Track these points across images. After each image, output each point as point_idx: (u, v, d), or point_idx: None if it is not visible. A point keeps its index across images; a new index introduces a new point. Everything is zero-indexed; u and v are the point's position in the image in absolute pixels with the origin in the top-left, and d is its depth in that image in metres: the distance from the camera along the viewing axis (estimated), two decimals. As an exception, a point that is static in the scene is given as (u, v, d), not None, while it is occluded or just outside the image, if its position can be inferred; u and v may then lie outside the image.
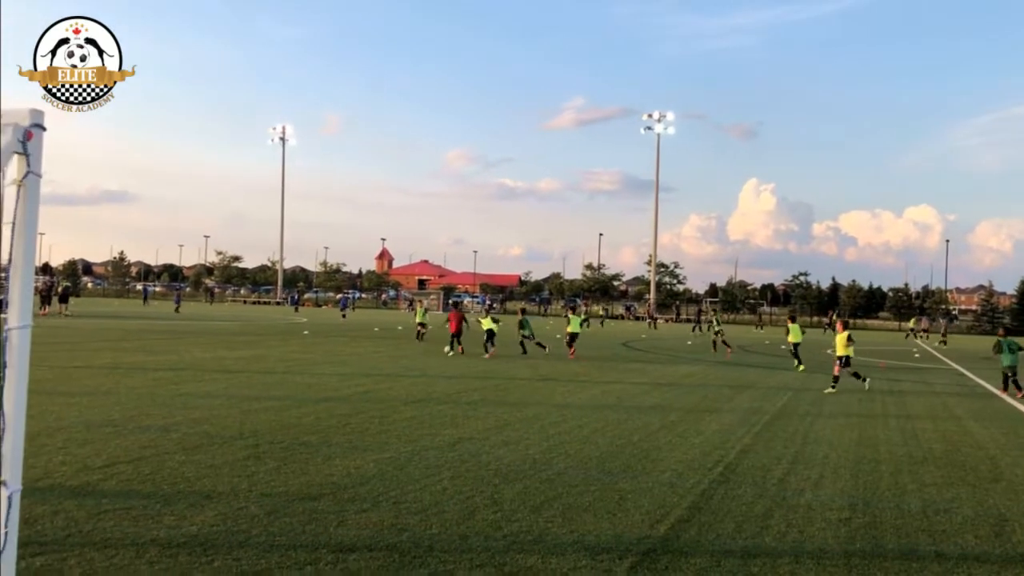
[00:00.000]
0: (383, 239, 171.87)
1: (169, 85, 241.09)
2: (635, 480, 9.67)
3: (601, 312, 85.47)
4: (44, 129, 3.32)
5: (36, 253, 3.32)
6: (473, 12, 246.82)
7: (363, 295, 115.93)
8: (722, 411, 16.16)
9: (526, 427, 13.20)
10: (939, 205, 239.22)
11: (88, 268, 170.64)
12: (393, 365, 23.42)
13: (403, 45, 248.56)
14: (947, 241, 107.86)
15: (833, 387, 20.68)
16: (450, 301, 63.78)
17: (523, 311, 34.33)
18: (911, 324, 69.43)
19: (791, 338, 28.36)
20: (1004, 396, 20.96)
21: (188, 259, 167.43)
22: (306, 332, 38.63)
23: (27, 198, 3.29)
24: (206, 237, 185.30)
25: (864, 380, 21.45)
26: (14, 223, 3.27)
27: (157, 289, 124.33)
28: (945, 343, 55.73)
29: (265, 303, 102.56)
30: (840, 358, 21.12)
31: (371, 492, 8.59)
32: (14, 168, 3.28)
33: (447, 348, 28.84)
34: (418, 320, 35.92)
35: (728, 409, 16.51)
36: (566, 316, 36.33)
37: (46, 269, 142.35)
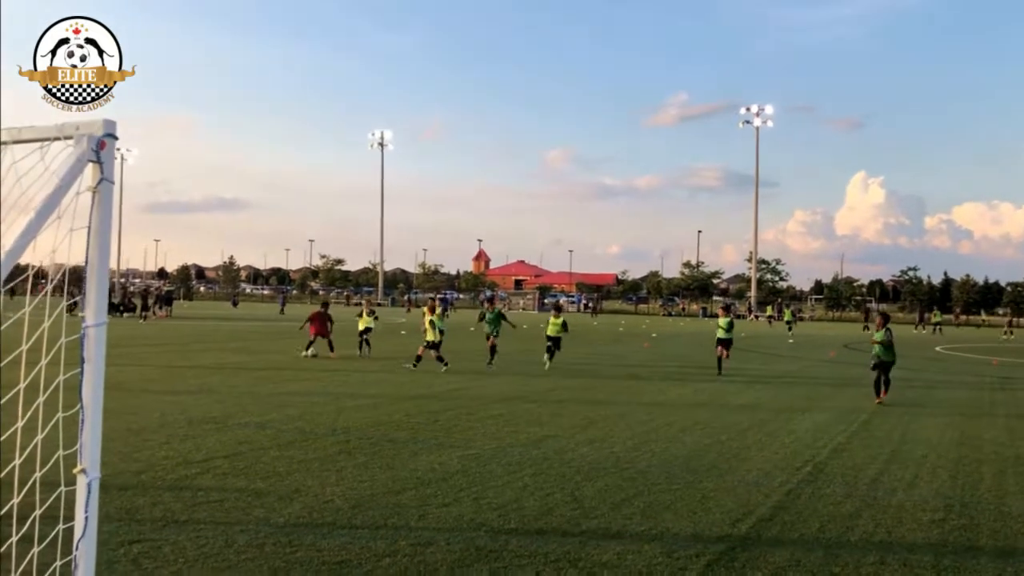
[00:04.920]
0: (479, 240, 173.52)
1: (276, 95, 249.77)
2: (720, 479, 9.54)
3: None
4: (116, 138, 3.53)
5: (110, 255, 3.52)
6: (573, 10, 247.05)
7: (460, 296, 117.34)
8: (818, 409, 15.74)
9: (612, 425, 13.17)
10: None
11: (201, 272, 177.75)
12: (485, 363, 23.62)
13: (503, 46, 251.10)
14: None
15: (414, 366, 21.40)
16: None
17: (490, 300, 30.24)
18: None
19: (549, 331, 23.44)
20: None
21: (294, 263, 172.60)
22: (403, 332, 39.29)
23: (101, 203, 3.50)
24: (311, 241, 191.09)
25: (445, 364, 21.33)
26: (90, 227, 3.49)
27: (266, 292, 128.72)
28: None
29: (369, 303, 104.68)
30: (427, 343, 21.89)
31: (453, 487, 8.73)
32: (89, 176, 3.50)
33: (306, 352, 24.35)
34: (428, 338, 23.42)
35: (824, 407, 16.07)
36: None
37: (162, 273, 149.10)
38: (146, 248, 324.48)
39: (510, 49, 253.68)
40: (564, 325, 23.69)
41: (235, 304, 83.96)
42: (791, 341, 42.79)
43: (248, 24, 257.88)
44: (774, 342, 41.82)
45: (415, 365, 21.58)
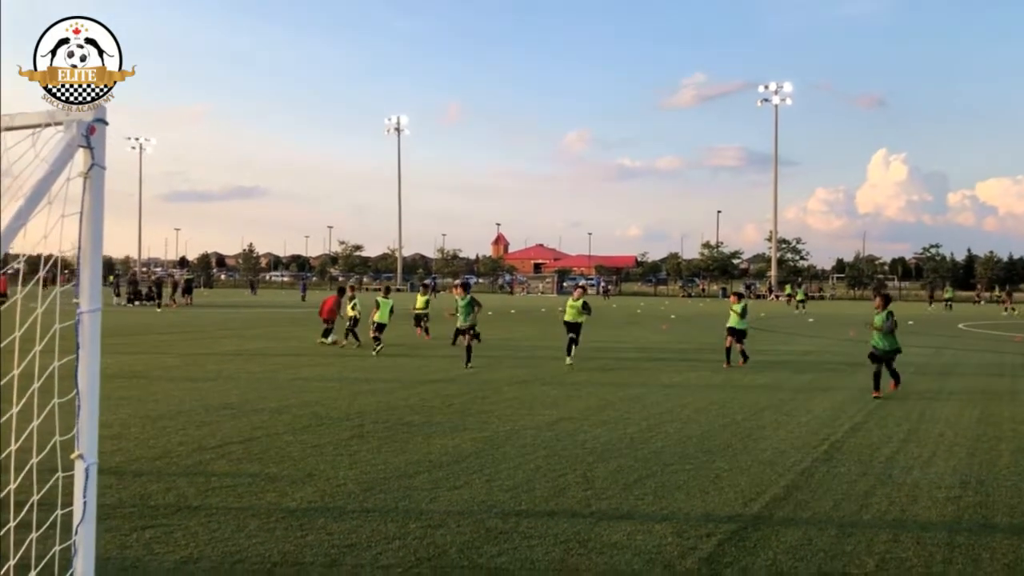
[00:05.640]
0: (498, 224, 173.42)
1: (294, 83, 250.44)
2: (734, 459, 9.49)
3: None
4: (107, 124, 3.52)
5: (103, 241, 3.52)
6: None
7: (480, 280, 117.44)
8: (836, 389, 15.63)
9: (628, 406, 13.13)
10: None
11: (221, 260, 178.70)
12: (503, 346, 23.67)
13: (519, 30, 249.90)
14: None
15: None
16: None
17: (464, 286, 21.35)
18: None
19: (568, 315, 20.38)
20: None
21: (314, 250, 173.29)
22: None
23: (92, 189, 3.49)
24: (329, 228, 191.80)
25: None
26: (82, 213, 3.48)
27: (285, 279, 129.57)
28: None
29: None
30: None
31: (466, 470, 8.74)
32: (80, 161, 3.49)
33: (335, 339, 24.11)
34: (416, 307, 26.62)
35: (842, 387, 15.95)
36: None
37: (183, 262, 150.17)
38: (167, 237, 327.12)
39: (526, 32, 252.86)
40: (585, 306, 20.11)
41: (253, 290, 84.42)
42: (811, 320, 42.54)
43: (263, 11, 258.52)
44: (793, 321, 41.57)
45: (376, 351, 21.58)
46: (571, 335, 19.88)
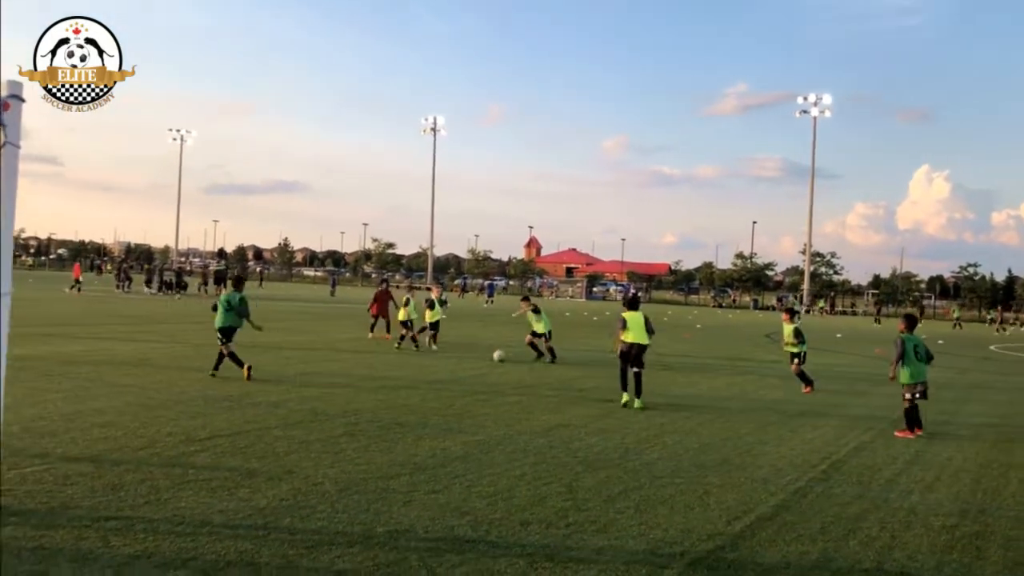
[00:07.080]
0: (530, 227, 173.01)
1: (338, 81, 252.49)
2: (727, 475, 9.20)
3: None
4: (23, 100, 3.37)
5: (14, 220, 3.38)
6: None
7: (510, 282, 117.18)
8: (848, 407, 15.21)
9: (630, 416, 12.86)
10: None
11: (259, 253, 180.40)
12: (516, 350, 23.40)
13: (564, 35, 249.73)
14: None
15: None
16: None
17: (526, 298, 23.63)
18: None
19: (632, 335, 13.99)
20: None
21: (349, 246, 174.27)
22: (443, 317, 39.21)
23: (5, 168, 3.35)
24: (365, 225, 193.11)
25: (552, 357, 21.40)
26: (-8, 193, 3.34)
27: (318, 274, 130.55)
28: None
29: (416, 288, 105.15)
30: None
31: (449, 474, 8.56)
32: (-8, 139, 3.35)
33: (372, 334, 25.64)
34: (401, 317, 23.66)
35: (856, 405, 15.53)
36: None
37: (221, 254, 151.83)
38: (206, 228, 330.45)
39: (568, 37, 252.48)
40: (648, 325, 14.16)
41: (261, 282, 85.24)
42: (838, 336, 41.80)
43: (308, 9, 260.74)
44: (821, 336, 40.85)
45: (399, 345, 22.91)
46: (638, 371, 13.99)
